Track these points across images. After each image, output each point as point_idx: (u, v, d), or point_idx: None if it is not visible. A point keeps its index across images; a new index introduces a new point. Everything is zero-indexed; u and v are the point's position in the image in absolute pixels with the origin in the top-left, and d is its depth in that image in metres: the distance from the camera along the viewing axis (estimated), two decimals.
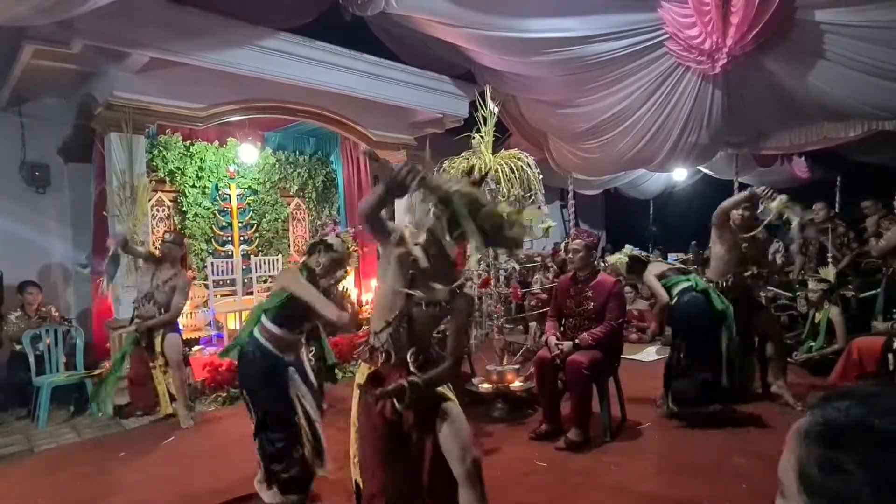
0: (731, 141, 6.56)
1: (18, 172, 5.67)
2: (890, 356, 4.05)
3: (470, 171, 2.59)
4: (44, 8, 3.46)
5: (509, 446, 3.66)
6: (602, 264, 5.25)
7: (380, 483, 2.04)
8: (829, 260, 6.46)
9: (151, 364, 4.42)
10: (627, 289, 6.79)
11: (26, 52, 4.38)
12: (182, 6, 4.46)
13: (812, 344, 5.23)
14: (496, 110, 4.38)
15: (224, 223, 6.69)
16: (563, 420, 3.78)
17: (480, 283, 4.39)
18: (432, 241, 1.97)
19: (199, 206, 6.47)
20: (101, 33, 4.18)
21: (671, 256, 7.87)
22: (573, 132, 6.76)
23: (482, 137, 4.32)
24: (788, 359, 4.78)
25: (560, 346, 3.70)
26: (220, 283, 6.34)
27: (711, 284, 4.05)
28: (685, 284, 4.06)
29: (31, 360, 4.69)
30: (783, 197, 3.89)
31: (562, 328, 3.89)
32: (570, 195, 9.09)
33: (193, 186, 6.41)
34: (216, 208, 6.62)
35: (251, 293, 6.42)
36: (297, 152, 7.43)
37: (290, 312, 2.85)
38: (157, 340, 4.35)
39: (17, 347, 4.86)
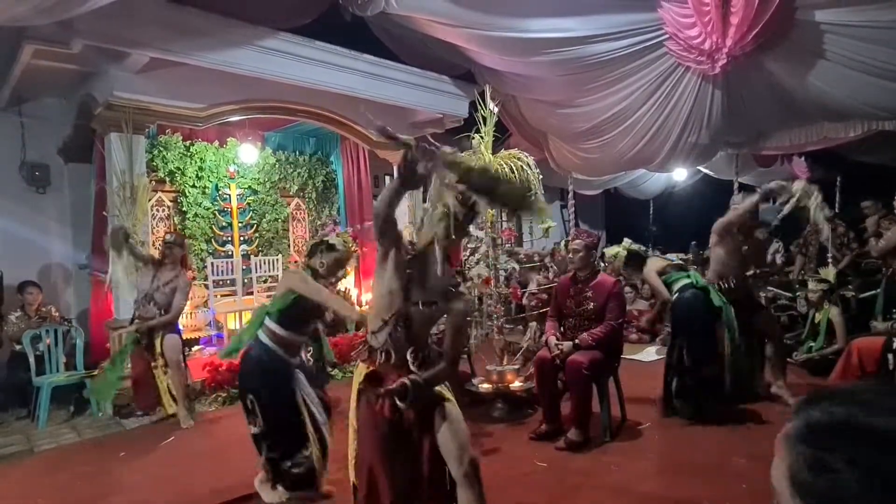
0: (731, 141, 6.56)
1: (18, 172, 5.67)
2: (890, 356, 4.05)
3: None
4: (44, 8, 3.45)
5: (509, 446, 3.66)
6: (602, 265, 5.24)
7: (378, 483, 2.04)
8: (829, 260, 6.46)
9: (153, 365, 4.42)
10: (627, 289, 6.79)
11: (26, 52, 4.38)
12: (182, 6, 4.45)
13: (812, 344, 5.23)
14: (496, 110, 4.38)
15: (224, 223, 6.69)
16: (563, 420, 3.78)
17: (482, 283, 4.38)
18: (431, 242, 1.97)
19: (199, 206, 6.47)
20: (101, 33, 4.18)
21: (671, 256, 7.86)
22: (573, 132, 6.76)
23: (482, 137, 4.32)
24: (788, 359, 4.78)
25: (560, 347, 3.70)
26: (220, 283, 6.35)
27: (713, 285, 4.06)
28: (685, 281, 4.07)
29: (31, 360, 4.69)
30: (802, 183, 3.89)
31: (562, 328, 3.90)
32: (570, 195, 9.09)
33: (193, 186, 6.41)
34: (216, 208, 6.63)
35: (251, 293, 6.43)
36: (297, 152, 7.44)
37: (297, 314, 2.84)
38: (157, 341, 4.36)
39: (17, 347, 4.86)
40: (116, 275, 4.47)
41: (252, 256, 6.71)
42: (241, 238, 6.79)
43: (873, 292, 5.42)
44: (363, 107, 5.49)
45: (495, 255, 4.39)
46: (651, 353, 6.21)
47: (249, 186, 6.92)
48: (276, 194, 7.19)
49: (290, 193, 7.35)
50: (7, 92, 5.22)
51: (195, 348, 5.94)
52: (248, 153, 6.63)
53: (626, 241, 4.60)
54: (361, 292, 7.29)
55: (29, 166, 5.68)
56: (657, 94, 5.45)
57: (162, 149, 6.13)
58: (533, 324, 5.58)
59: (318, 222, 7.45)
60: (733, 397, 3.95)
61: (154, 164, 6.01)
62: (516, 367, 4.51)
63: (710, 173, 9.23)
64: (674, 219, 11.13)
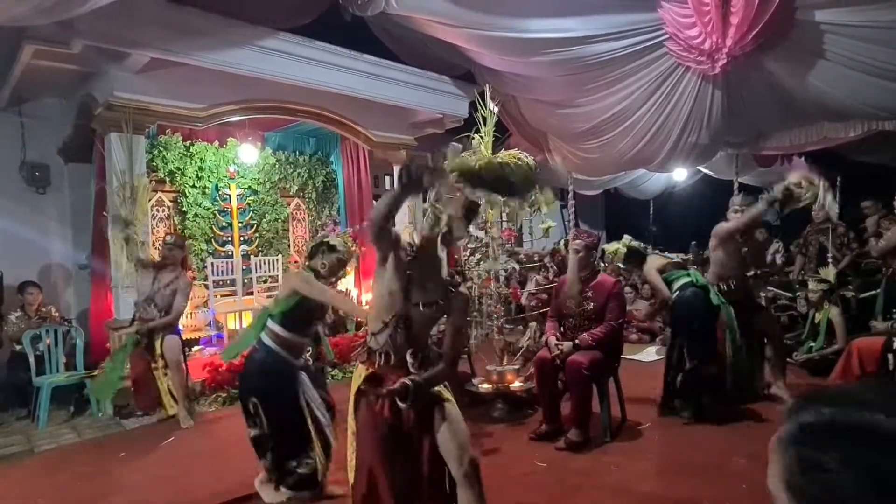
0: (731, 141, 6.56)
1: (18, 172, 5.67)
2: (890, 356, 4.05)
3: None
4: (44, 8, 3.45)
5: (509, 446, 3.66)
6: (603, 265, 5.24)
7: (378, 484, 2.04)
8: (829, 260, 6.45)
9: (153, 365, 4.42)
10: (627, 289, 6.79)
11: (26, 52, 4.38)
12: (182, 6, 4.46)
13: (812, 344, 5.23)
14: (496, 110, 4.38)
15: (224, 223, 6.69)
16: (563, 420, 3.77)
17: (482, 283, 4.39)
18: (431, 241, 1.97)
19: (199, 206, 6.47)
20: (101, 33, 4.18)
21: (671, 256, 7.85)
22: (573, 132, 6.76)
23: (482, 137, 4.32)
24: (788, 359, 4.78)
25: (560, 347, 3.70)
26: (220, 283, 6.35)
27: (713, 286, 4.06)
28: (685, 279, 4.07)
29: (31, 360, 4.69)
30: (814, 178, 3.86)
31: (562, 328, 3.89)
32: (570, 195, 9.09)
33: (193, 187, 6.41)
34: (216, 208, 6.63)
35: (251, 293, 6.43)
36: (297, 152, 7.44)
37: (300, 315, 2.84)
38: (157, 342, 4.36)
39: (18, 348, 4.86)
40: (119, 266, 4.54)
41: (252, 256, 6.71)
42: (241, 238, 6.79)
43: (873, 292, 5.42)
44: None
45: (495, 255, 4.38)
46: (651, 353, 6.21)
47: (249, 186, 6.92)
48: (276, 194, 7.19)
49: (290, 193, 7.35)
50: (7, 92, 5.23)
51: (195, 349, 5.94)
52: (248, 153, 6.63)
53: (626, 238, 4.60)
54: (361, 292, 7.29)
55: (29, 166, 5.68)
56: (657, 94, 5.44)
57: (162, 149, 6.13)
58: (533, 324, 5.57)
59: (318, 222, 7.44)
60: (733, 397, 3.95)
61: (154, 164, 6.01)
62: (516, 367, 4.51)
63: (710, 173, 9.22)
64: (674, 219, 11.12)
